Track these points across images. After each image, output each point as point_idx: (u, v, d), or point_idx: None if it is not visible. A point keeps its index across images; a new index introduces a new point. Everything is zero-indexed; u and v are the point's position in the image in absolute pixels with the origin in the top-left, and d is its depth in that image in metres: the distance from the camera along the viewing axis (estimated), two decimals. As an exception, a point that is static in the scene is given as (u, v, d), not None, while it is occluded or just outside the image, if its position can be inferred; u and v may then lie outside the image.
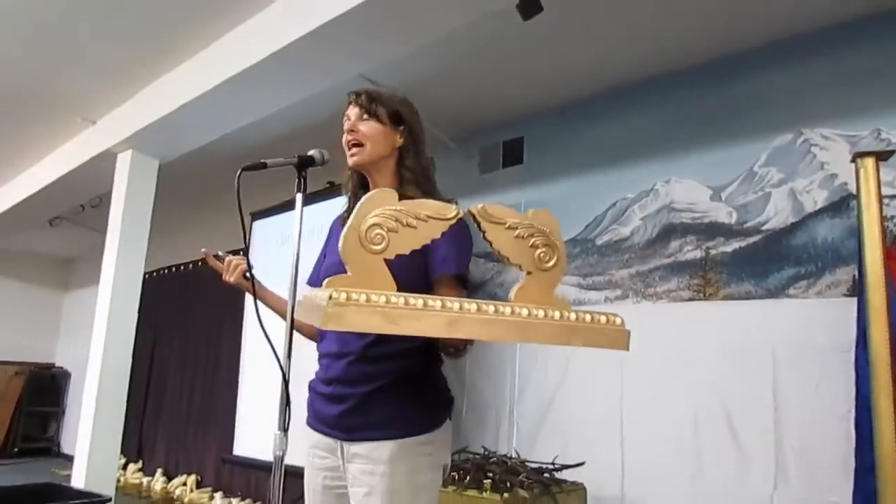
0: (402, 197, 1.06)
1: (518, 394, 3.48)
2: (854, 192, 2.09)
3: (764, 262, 2.78)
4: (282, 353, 1.35)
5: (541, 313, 1.06)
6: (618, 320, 1.11)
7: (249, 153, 1.41)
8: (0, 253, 7.56)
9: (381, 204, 1.04)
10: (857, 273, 2.20)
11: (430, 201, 1.09)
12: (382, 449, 1.36)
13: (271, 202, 4.48)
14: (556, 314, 1.07)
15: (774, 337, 2.67)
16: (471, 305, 1.02)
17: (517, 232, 1.11)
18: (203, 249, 1.63)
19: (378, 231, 1.02)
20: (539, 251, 1.12)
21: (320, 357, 1.52)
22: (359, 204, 1.04)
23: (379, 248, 1.02)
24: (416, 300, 0.99)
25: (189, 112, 3.50)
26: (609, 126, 3.45)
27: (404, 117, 1.54)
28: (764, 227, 2.82)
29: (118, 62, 3.51)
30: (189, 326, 6.06)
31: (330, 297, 0.94)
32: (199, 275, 5.89)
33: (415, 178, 1.47)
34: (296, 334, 1.40)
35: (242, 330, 4.89)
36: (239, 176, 1.33)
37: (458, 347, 1.33)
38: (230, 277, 1.58)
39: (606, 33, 2.99)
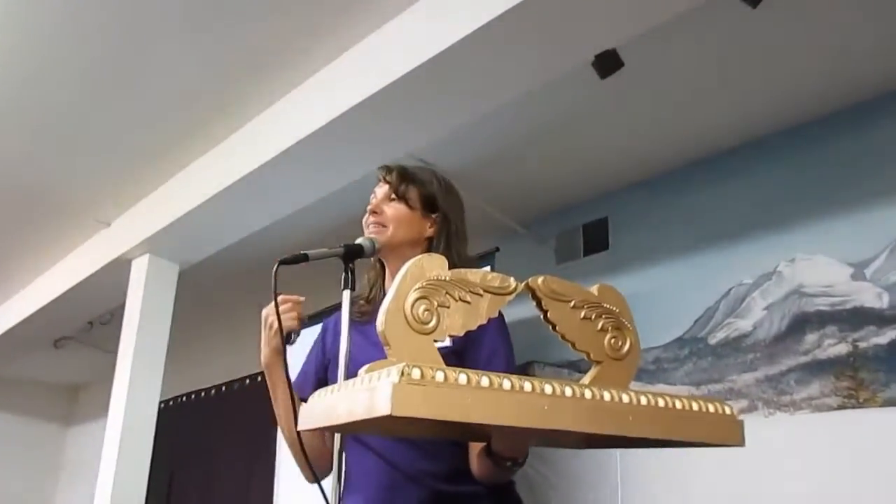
0: None
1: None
2: None
3: (936, 355, 2.58)
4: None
5: (644, 400, 0.98)
6: (727, 409, 1.05)
7: (280, 255, 1.35)
8: (-4, 383, 7.66)
9: (427, 273, 0.95)
10: None
11: (482, 270, 1.01)
12: None
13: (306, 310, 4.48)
14: (660, 401, 0.99)
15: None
16: (565, 388, 0.91)
17: (583, 312, 1.06)
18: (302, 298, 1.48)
19: (425, 306, 0.93)
20: (609, 336, 1.07)
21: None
22: (398, 276, 0.94)
23: (429, 326, 0.93)
24: (503, 380, 0.87)
25: (212, 209, 3.60)
26: (712, 199, 3.35)
27: (439, 203, 1.55)
28: (929, 311, 2.64)
29: (134, 156, 3.64)
30: (212, 465, 5.97)
31: (402, 374, 0.79)
32: (224, 403, 5.82)
33: None
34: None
35: (275, 467, 4.78)
36: (276, 271, 1.29)
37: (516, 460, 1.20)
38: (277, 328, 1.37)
39: (702, 90, 2.95)
